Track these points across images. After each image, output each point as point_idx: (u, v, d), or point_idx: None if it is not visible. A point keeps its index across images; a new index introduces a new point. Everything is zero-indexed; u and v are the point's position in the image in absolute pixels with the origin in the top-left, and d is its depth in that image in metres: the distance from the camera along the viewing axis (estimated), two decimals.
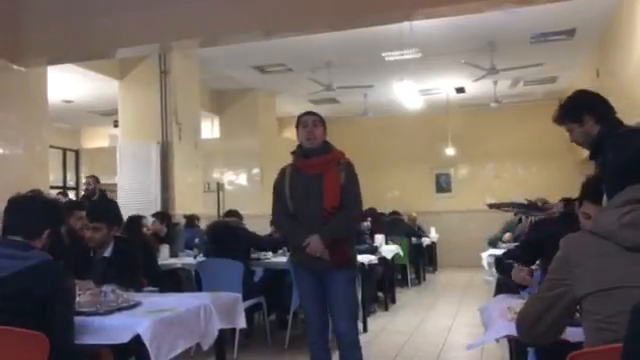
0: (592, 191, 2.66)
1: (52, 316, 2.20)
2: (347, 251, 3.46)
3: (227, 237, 5.38)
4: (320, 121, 3.55)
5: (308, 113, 3.61)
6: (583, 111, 2.93)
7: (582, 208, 2.65)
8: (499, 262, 3.32)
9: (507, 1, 5.06)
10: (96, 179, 7.32)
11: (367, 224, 7.68)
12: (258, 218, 8.40)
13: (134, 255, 3.69)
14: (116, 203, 6.35)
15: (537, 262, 3.18)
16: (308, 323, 3.52)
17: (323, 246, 3.31)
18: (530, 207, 3.64)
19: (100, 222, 3.58)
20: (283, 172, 3.57)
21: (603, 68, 8.86)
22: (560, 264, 1.68)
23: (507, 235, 6.72)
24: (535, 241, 3.13)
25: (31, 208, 2.42)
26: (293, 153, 3.60)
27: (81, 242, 3.88)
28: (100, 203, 6.24)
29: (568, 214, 2.80)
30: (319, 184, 3.39)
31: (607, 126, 2.90)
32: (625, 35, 7.19)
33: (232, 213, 6.26)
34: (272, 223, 6.25)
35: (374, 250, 6.90)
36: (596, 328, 1.56)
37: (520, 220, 6.51)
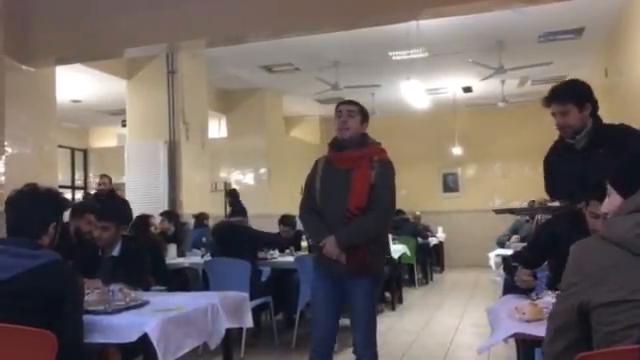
0: (599, 190, 2.65)
1: (61, 315, 2.21)
2: (366, 257, 3.10)
3: (231, 237, 5.38)
4: (358, 111, 3.27)
5: (345, 102, 3.35)
6: (586, 98, 2.96)
7: (589, 208, 2.62)
8: (506, 263, 3.30)
9: (515, 0, 5.04)
10: (110, 179, 7.34)
11: None
12: (265, 218, 8.41)
13: (141, 254, 3.71)
14: (127, 202, 6.38)
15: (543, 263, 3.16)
16: (314, 328, 3.23)
17: (338, 249, 3.05)
18: (535, 209, 3.66)
19: (108, 221, 3.60)
20: (316, 164, 3.32)
21: (612, 67, 8.81)
22: (571, 273, 1.62)
23: (513, 238, 6.68)
24: (542, 242, 3.11)
25: (31, 206, 2.39)
26: (330, 144, 3.35)
27: (89, 241, 3.90)
28: (109, 203, 6.28)
29: (575, 214, 2.78)
30: (347, 181, 3.12)
31: (597, 121, 2.98)
32: (634, 34, 7.15)
33: (236, 213, 6.26)
34: (279, 222, 6.26)
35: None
36: (608, 340, 1.49)
37: (527, 220, 6.48)
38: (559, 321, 1.63)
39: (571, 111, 2.92)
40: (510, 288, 3.48)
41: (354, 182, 3.11)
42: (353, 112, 3.25)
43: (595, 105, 2.98)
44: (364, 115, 3.31)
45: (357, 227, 3.08)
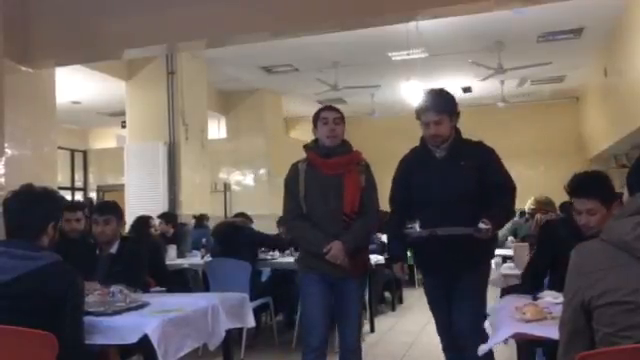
0: (575, 187, 2.65)
1: (62, 316, 2.21)
2: (366, 260, 3.40)
3: (232, 237, 5.37)
4: (342, 118, 3.28)
5: (329, 108, 3.32)
6: (456, 108, 3.26)
7: (574, 205, 2.64)
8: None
9: (514, 0, 5.04)
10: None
11: None
12: (265, 218, 8.41)
13: (139, 252, 3.71)
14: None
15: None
16: (310, 331, 3.24)
17: (344, 254, 3.09)
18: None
19: (110, 215, 3.61)
20: (296, 168, 3.28)
21: (611, 67, 8.81)
22: (572, 276, 1.62)
23: (510, 239, 6.66)
24: (545, 242, 3.11)
25: (28, 207, 2.38)
26: (307, 148, 3.32)
27: (86, 240, 3.91)
28: (106, 200, 6.27)
29: (572, 214, 2.79)
30: (338, 186, 3.16)
31: (458, 133, 3.28)
32: (633, 34, 7.15)
33: (241, 215, 6.26)
34: (279, 223, 6.23)
35: (383, 249, 6.86)
36: (608, 341, 1.50)
37: (526, 220, 6.47)
38: (569, 327, 1.62)
39: (444, 121, 3.09)
40: (508, 291, 3.48)
41: (347, 188, 3.17)
42: (338, 119, 3.27)
43: (458, 116, 3.21)
44: (344, 121, 3.34)
45: (360, 230, 3.19)
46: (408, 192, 3.17)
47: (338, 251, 3.10)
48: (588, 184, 2.62)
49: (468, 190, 3.01)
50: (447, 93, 3.20)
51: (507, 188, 3.09)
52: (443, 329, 3.33)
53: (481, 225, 2.86)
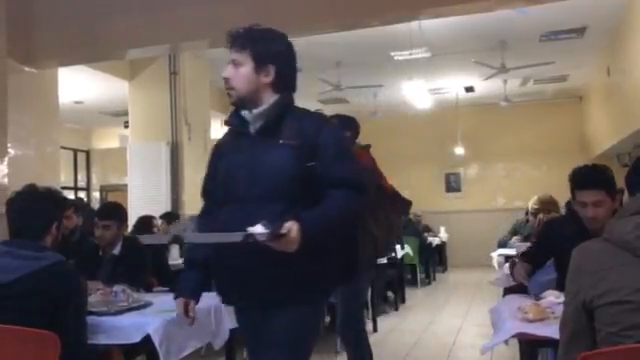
0: (581, 179, 2.64)
1: (65, 316, 2.22)
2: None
3: None
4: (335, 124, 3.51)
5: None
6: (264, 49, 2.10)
7: (577, 198, 2.63)
8: (512, 263, 3.31)
9: (516, 0, 5.03)
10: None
11: None
12: None
13: (142, 252, 3.72)
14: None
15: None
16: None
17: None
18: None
19: (110, 220, 3.61)
20: None
21: (614, 66, 8.79)
22: (573, 276, 1.62)
23: (514, 238, 6.67)
24: (545, 239, 3.12)
25: (31, 207, 2.39)
26: None
27: (89, 240, 3.92)
28: (109, 202, 6.28)
29: (574, 212, 2.78)
30: None
31: (286, 98, 2.18)
32: (636, 33, 7.13)
33: None
34: None
35: None
36: (609, 340, 1.50)
37: (527, 220, 6.48)
38: (571, 327, 1.62)
39: (245, 62, 2.05)
40: (511, 290, 3.49)
41: None
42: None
43: (287, 70, 2.13)
44: (344, 124, 3.50)
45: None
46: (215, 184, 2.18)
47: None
48: (594, 175, 2.62)
49: (282, 182, 1.98)
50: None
51: (346, 186, 2.00)
52: None
53: (254, 229, 1.77)
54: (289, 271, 1.94)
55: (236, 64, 2.06)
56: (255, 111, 2.07)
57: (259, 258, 1.89)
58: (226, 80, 2.08)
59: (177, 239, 2.50)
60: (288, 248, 1.82)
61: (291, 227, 1.82)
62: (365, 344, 3.49)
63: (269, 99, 2.08)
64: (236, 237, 1.76)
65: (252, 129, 2.09)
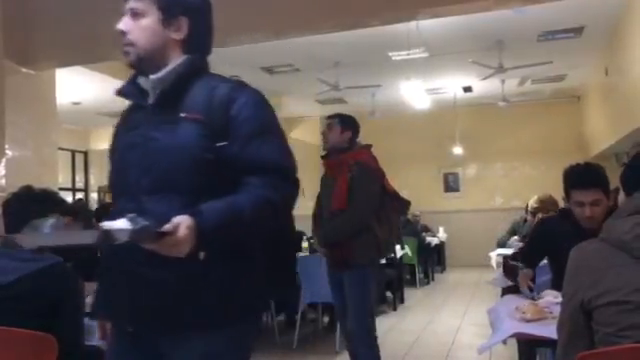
0: (578, 178, 2.63)
1: (62, 318, 2.22)
2: (344, 253, 3.53)
3: None
4: (338, 122, 3.70)
5: (327, 117, 3.84)
6: None
7: (572, 198, 2.62)
8: (506, 264, 3.30)
9: None
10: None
11: None
12: None
13: None
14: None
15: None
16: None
17: (324, 249, 3.69)
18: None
19: None
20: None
21: (612, 66, 8.80)
22: (570, 276, 1.62)
23: (513, 238, 6.67)
24: (539, 239, 3.11)
25: (28, 208, 2.39)
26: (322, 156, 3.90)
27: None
28: (107, 204, 6.26)
29: (568, 211, 2.78)
30: (332, 186, 3.59)
31: (194, 60, 1.73)
32: (634, 33, 7.14)
33: None
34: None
35: None
36: (607, 341, 1.49)
37: (525, 220, 6.48)
38: (568, 327, 1.62)
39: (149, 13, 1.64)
40: (509, 289, 3.49)
41: (336, 187, 3.56)
42: (331, 124, 3.70)
43: (203, 26, 1.74)
44: (345, 123, 3.68)
45: (329, 227, 3.61)
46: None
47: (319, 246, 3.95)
48: (591, 174, 2.61)
49: (182, 167, 1.53)
50: None
51: (266, 171, 1.56)
52: None
53: (112, 224, 1.35)
54: (195, 282, 1.45)
55: (136, 14, 1.64)
56: (153, 76, 1.62)
57: (155, 264, 1.41)
58: (123, 34, 1.67)
59: (8, 242, 2.02)
60: (175, 252, 1.35)
61: (179, 223, 1.35)
62: (377, 344, 3.57)
63: (176, 61, 1.63)
64: (89, 237, 1.36)
65: (151, 100, 1.64)
